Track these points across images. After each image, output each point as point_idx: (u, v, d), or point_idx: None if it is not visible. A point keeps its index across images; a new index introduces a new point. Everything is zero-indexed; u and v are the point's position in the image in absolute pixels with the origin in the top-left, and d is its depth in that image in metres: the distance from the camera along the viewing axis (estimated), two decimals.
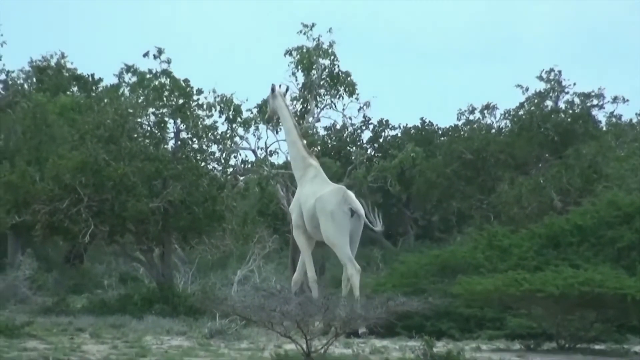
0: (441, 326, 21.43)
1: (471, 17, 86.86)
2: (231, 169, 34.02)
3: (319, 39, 34.00)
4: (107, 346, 18.55)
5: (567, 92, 40.80)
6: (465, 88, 76.96)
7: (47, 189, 26.98)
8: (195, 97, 29.14)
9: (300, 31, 33.88)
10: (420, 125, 47.88)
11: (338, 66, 34.59)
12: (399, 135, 47.00)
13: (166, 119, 28.80)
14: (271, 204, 39.19)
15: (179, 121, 28.78)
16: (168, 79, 29.41)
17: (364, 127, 44.22)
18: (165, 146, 28.82)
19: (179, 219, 27.76)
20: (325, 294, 18.12)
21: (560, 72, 40.68)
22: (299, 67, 34.14)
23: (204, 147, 29.23)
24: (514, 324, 21.07)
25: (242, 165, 35.61)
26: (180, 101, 28.77)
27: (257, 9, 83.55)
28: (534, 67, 62.71)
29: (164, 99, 28.82)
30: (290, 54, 34.10)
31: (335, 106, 35.19)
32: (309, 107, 34.52)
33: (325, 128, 42.38)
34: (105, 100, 30.46)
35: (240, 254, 33.72)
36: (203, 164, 29.08)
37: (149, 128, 28.84)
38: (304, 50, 33.88)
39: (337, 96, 35.00)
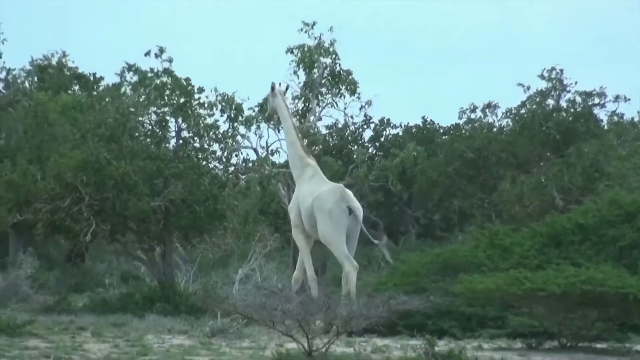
0: (443, 325, 21.41)
1: (473, 16, 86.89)
2: (232, 168, 34.03)
3: (320, 38, 34.01)
4: (109, 345, 18.55)
5: (569, 91, 40.78)
6: (466, 87, 77.00)
7: (49, 187, 26.99)
8: (196, 96, 29.15)
9: (301, 29, 33.89)
10: (421, 124, 47.89)
11: (339, 65, 34.59)
12: (400, 134, 47.00)
13: (167, 117, 28.82)
14: (272, 202, 39.22)
15: (180, 120, 28.79)
16: (169, 78, 29.42)
17: (365, 126, 44.19)
18: (167, 145, 28.84)
19: (180, 218, 27.76)
20: (326, 293, 18.13)
21: (561, 70, 40.68)
22: (301, 65, 34.14)
23: (206, 146, 29.25)
24: (516, 322, 21.05)
25: (244, 164, 35.61)
26: (182, 100, 28.78)
27: (258, 7, 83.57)
28: (536, 66, 62.63)
29: (165, 97, 28.83)
30: (292, 52, 34.10)
31: (337, 105, 35.21)
32: (310, 105, 34.52)
33: (327, 127, 42.45)
34: (107, 99, 30.44)
35: (241, 252, 33.74)
36: (204, 162, 29.08)
37: (150, 127, 28.86)
38: (305, 49, 33.88)
39: (339, 95, 35.00)
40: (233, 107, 32.56)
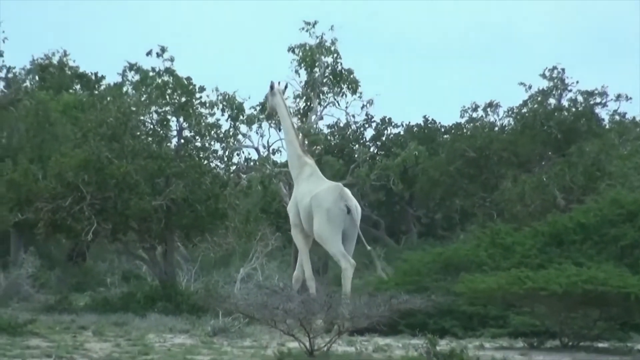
0: (444, 324, 21.42)
1: (474, 15, 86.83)
2: (234, 167, 34.04)
3: (321, 37, 34.00)
4: (110, 344, 18.56)
5: (570, 90, 40.71)
6: (468, 86, 76.87)
7: (50, 187, 27.00)
8: (197, 95, 29.15)
9: (303, 28, 33.88)
10: (423, 123, 47.84)
11: (341, 64, 34.58)
12: (402, 133, 46.95)
13: (169, 117, 28.82)
14: (274, 202, 39.19)
15: (181, 119, 28.79)
16: (171, 77, 29.42)
17: (366, 125, 44.25)
18: (168, 144, 28.84)
19: (181, 217, 27.76)
20: (328, 292, 18.13)
21: (563, 70, 40.63)
22: (302, 64, 34.13)
23: (207, 145, 29.25)
24: (517, 322, 21.05)
25: (245, 163, 35.61)
26: (183, 99, 28.77)
27: (259, 7, 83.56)
28: (537, 65, 62.51)
29: (167, 97, 28.83)
30: (293, 51, 34.10)
31: (338, 104, 35.20)
32: (311, 105, 34.52)
33: (328, 126, 42.45)
34: (108, 99, 30.44)
35: (243, 251, 33.71)
36: (206, 162, 29.08)
37: (151, 126, 28.86)
38: (307, 48, 33.87)
39: (340, 94, 34.99)
40: (234, 107, 32.56)
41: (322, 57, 34.09)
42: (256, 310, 17.32)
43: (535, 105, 40.44)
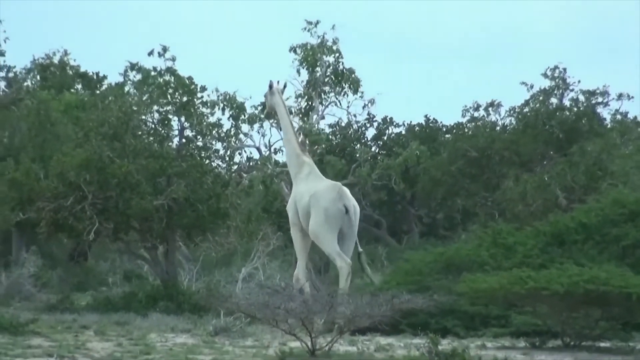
0: (446, 324, 21.40)
1: (476, 15, 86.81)
2: (235, 167, 34.05)
3: (323, 36, 34.01)
4: (112, 344, 18.56)
5: (572, 90, 40.73)
6: (469, 85, 76.84)
7: (52, 186, 26.99)
8: (199, 95, 29.15)
9: (305, 28, 33.90)
10: (424, 123, 47.81)
11: (342, 63, 34.62)
12: (403, 132, 46.93)
13: (170, 116, 28.80)
14: (275, 201, 39.17)
15: (183, 118, 28.79)
16: (172, 77, 29.43)
17: (368, 125, 44.26)
18: (170, 144, 28.83)
19: (183, 217, 27.75)
20: (329, 292, 18.13)
21: (565, 69, 40.63)
22: (303, 64, 34.14)
23: (208, 144, 29.24)
24: (519, 321, 21.03)
25: (247, 163, 35.64)
26: (185, 99, 28.77)
27: (260, 6, 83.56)
28: (539, 65, 62.64)
29: (168, 96, 28.83)
30: (295, 51, 34.11)
31: (340, 103, 35.22)
32: (313, 104, 34.53)
33: (330, 125, 42.44)
34: (110, 98, 30.44)
35: (244, 251, 33.70)
36: (207, 161, 29.07)
37: (153, 125, 28.85)
38: (308, 48, 33.88)
39: (342, 93, 35.00)
40: (235, 106, 32.57)
41: (324, 57, 34.10)
42: (258, 310, 17.33)
43: (537, 105, 40.43)
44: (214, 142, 29.48)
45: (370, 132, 45.29)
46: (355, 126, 43.38)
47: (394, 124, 46.76)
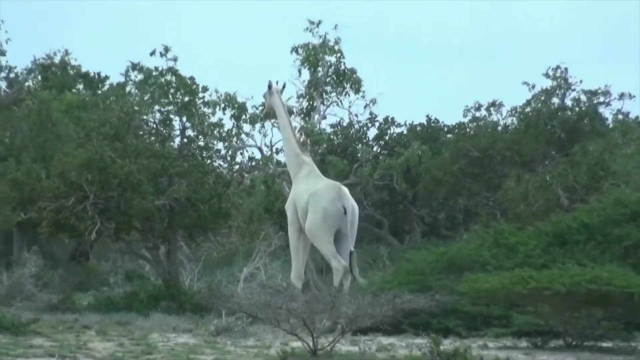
0: (448, 324, 21.37)
1: (477, 15, 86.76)
2: (237, 167, 34.05)
3: (325, 36, 34.02)
4: (113, 344, 18.55)
5: (574, 90, 40.75)
6: (471, 85, 76.81)
7: (53, 186, 26.99)
8: (200, 95, 29.16)
9: (307, 28, 33.92)
10: (426, 123, 47.77)
11: (344, 63, 34.65)
12: (405, 132, 46.91)
13: (172, 116, 28.81)
14: (277, 201, 39.16)
15: (184, 118, 28.80)
16: (174, 77, 29.44)
17: (369, 125, 44.25)
18: (171, 144, 28.84)
19: (184, 217, 27.75)
20: (331, 292, 18.13)
21: (566, 69, 40.63)
22: (305, 64, 34.16)
23: (210, 144, 29.24)
24: (521, 321, 21.01)
25: (248, 163, 35.64)
26: (186, 99, 28.78)
27: (262, 6, 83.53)
28: (541, 65, 62.56)
29: (170, 96, 28.84)
30: (297, 52, 34.13)
31: (341, 103, 35.25)
32: (315, 104, 34.54)
33: (331, 125, 42.44)
34: (111, 98, 30.45)
35: (246, 251, 33.70)
36: (209, 161, 29.07)
37: (154, 125, 28.86)
38: (310, 48, 33.89)
39: (343, 93, 35.02)
40: (236, 106, 32.58)
41: (326, 57, 34.12)
42: (259, 310, 17.31)
43: (539, 105, 40.43)
44: (215, 142, 29.51)
45: (372, 132, 45.31)
46: (356, 126, 43.39)
47: (396, 123, 46.74)
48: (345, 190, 23.13)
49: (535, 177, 36.12)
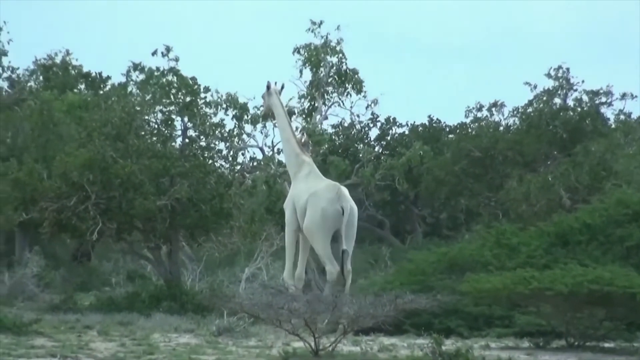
0: (449, 324, 21.38)
1: (479, 15, 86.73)
2: (239, 167, 34.03)
3: (327, 37, 34.03)
4: (115, 344, 18.54)
5: (576, 90, 40.75)
6: (473, 85, 76.80)
7: (55, 186, 26.99)
8: (202, 95, 29.16)
9: (309, 29, 33.92)
10: (427, 123, 47.74)
11: (346, 63, 34.64)
12: (407, 133, 46.89)
13: (173, 116, 28.81)
14: (279, 201, 39.11)
15: (186, 119, 28.79)
16: (175, 77, 29.44)
17: (371, 125, 44.23)
18: (173, 144, 28.84)
19: (186, 217, 27.75)
20: (333, 292, 18.12)
21: (568, 69, 40.64)
22: (307, 64, 34.16)
23: (212, 144, 29.23)
24: (523, 321, 21.01)
25: (250, 163, 35.64)
26: (188, 99, 28.77)
27: (264, 6, 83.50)
28: (542, 65, 62.50)
29: (171, 96, 28.83)
30: (299, 52, 34.13)
31: (343, 104, 35.25)
32: (316, 104, 34.53)
33: (333, 126, 42.44)
34: (113, 98, 30.44)
35: (248, 251, 33.70)
36: (210, 161, 29.07)
37: (156, 126, 28.85)
38: (312, 48, 33.89)
39: (345, 94, 35.01)
40: (237, 107, 32.58)
41: (327, 57, 34.12)
42: (261, 310, 17.31)
43: (541, 105, 40.43)
44: (217, 142, 29.49)
45: (374, 132, 45.28)
46: (358, 126, 43.37)
47: (397, 124, 46.71)
48: (345, 191, 23.09)
49: (537, 178, 36.10)
